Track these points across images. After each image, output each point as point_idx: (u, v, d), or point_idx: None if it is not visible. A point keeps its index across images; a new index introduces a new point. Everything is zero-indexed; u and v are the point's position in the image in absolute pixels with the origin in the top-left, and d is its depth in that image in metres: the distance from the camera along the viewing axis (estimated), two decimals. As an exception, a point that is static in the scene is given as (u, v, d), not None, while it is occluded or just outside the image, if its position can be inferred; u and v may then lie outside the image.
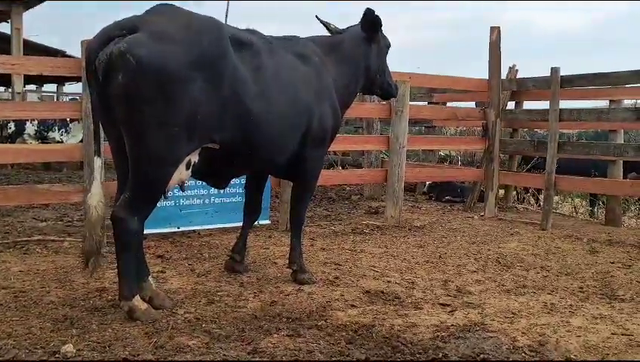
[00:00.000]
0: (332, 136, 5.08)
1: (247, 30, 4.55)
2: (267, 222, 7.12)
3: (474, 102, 10.31)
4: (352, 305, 4.41)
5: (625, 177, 9.03)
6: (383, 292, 4.76)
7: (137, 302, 3.93)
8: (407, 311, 4.30)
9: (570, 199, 11.80)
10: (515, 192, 10.89)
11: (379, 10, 5.14)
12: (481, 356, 3.52)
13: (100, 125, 4.02)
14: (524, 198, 11.53)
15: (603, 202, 10.10)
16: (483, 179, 8.91)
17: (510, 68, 9.10)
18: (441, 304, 4.51)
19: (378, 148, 9.17)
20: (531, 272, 5.56)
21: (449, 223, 7.98)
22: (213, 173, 4.50)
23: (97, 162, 4.06)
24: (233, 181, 6.16)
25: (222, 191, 6.34)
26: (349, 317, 4.13)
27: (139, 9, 3.98)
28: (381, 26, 5.30)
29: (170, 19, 3.82)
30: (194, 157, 4.09)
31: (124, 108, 3.69)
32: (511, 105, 9.48)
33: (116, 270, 4.04)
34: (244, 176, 5.46)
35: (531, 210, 9.82)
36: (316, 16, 5.46)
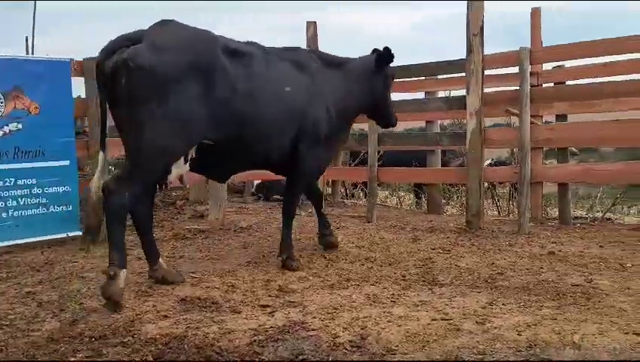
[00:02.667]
0: (330, 140, 5.47)
1: (246, 42, 5.02)
2: (78, 233, 6.52)
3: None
4: (165, 316, 4.03)
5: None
6: (199, 298, 4.41)
7: (122, 274, 4.23)
8: (225, 317, 3.99)
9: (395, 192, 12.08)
10: (344, 188, 10.96)
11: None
12: (300, 357, 3.30)
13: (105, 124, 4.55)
14: (353, 194, 11.65)
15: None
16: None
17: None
18: (262, 305, 4.24)
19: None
20: (356, 265, 5.46)
21: (276, 222, 7.75)
22: (212, 168, 5.08)
23: (101, 156, 4.56)
24: (35, 191, 5.81)
25: (22, 202, 6.06)
26: (160, 330, 3.76)
27: None
28: (392, 61, 5.75)
29: (167, 32, 4.45)
30: (192, 152, 4.62)
31: (127, 107, 4.26)
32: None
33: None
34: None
35: (360, 205, 9.86)
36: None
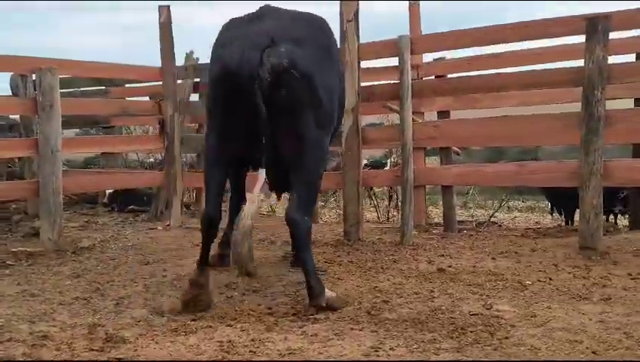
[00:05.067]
0: None
1: None
2: None
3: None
4: None
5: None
6: (-9, 361, 3.26)
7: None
8: (14, 394, 2.87)
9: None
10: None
11: None
12: None
13: None
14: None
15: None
16: (167, 183, 7.70)
17: (187, 54, 7.99)
18: (74, 369, 3.15)
19: (23, 153, 7.36)
20: (213, 294, 4.44)
21: (125, 239, 6.63)
22: None
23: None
24: None
25: None
26: None
27: None
28: None
29: (305, 25, 4.14)
30: None
31: (292, 116, 3.82)
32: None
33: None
34: None
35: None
36: None
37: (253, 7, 4.28)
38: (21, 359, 3.27)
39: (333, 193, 10.79)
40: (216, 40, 4.17)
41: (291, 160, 3.95)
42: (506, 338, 3.41)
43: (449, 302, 4.10)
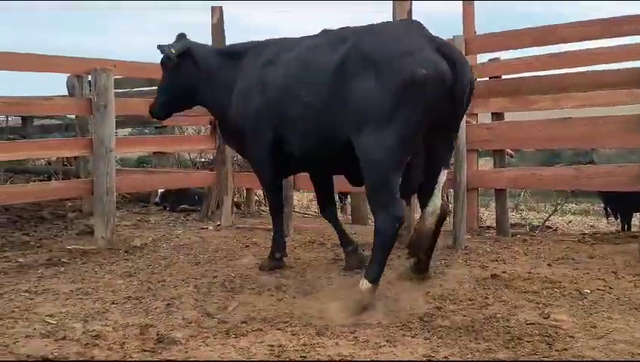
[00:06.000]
0: None
1: None
2: None
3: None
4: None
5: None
6: (46, 359, 3.30)
7: None
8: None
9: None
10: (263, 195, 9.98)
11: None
12: None
13: None
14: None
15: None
16: (217, 183, 7.73)
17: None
18: (126, 370, 3.16)
19: (79, 153, 7.45)
20: (264, 296, 4.43)
21: (177, 239, 6.67)
22: None
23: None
24: None
25: None
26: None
27: None
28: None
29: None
30: None
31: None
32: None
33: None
34: None
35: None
36: None
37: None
38: (74, 358, 3.30)
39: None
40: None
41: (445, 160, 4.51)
42: (565, 349, 3.30)
43: (504, 309, 3.99)
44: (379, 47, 4.16)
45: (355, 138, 4.16)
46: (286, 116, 4.65)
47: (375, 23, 4.59)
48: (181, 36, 5.46)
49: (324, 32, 4.80)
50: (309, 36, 4.91)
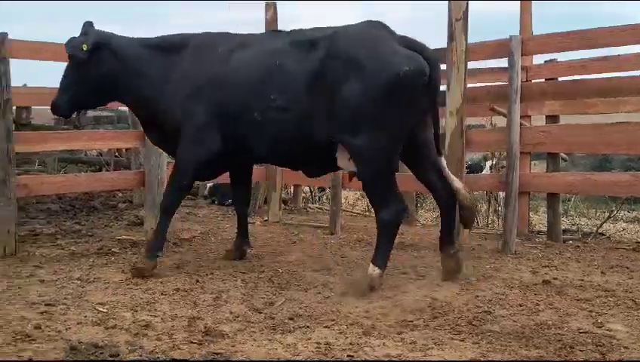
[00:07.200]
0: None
1: None
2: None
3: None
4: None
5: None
6: (96, 346, 3.34)
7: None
8: (118, 382, 2.93)
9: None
10: (309, 192, 10.02)
11: None
12: None
13: None
14: (319, 198, 10.63)
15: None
16: (266, 178, 7.77)
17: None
18: (174, 360, 3.18)
19: (131, 145, 7.57)
20: (309, 294, 4.42)
21: (224, 232, 6.72)
22: None
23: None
24: None
25: None
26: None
27: None
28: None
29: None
30: None
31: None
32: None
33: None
34: None
35: (326, 211, 8.78)
36: None
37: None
38: (124, 346, 3.35)
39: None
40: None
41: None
42: (619, 360, 3.20)
43: (556, 316, 3.90)
44: (360, 50, 4.35)
45: (349, 139, 4.35)
46: (248, 118, 4.63)
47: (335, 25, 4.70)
48: (88, 25, 5.00)
49: (276, 32, 5.09)
50: (255, 34, 5.05)
